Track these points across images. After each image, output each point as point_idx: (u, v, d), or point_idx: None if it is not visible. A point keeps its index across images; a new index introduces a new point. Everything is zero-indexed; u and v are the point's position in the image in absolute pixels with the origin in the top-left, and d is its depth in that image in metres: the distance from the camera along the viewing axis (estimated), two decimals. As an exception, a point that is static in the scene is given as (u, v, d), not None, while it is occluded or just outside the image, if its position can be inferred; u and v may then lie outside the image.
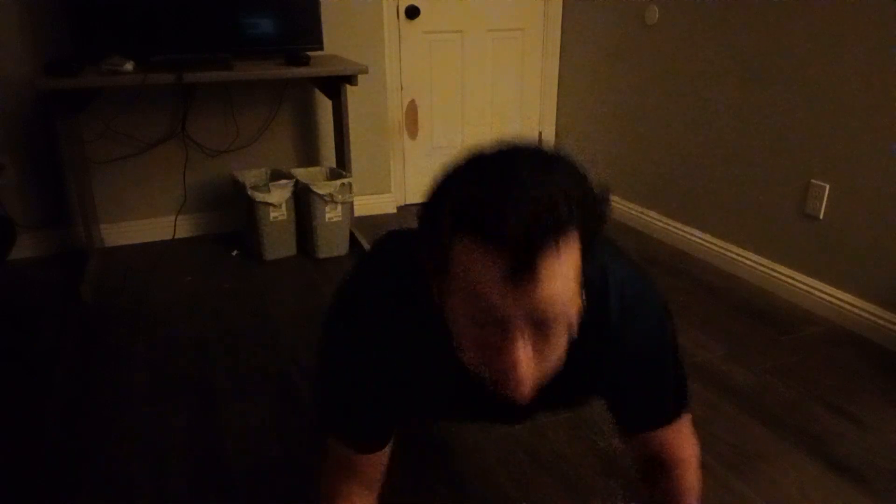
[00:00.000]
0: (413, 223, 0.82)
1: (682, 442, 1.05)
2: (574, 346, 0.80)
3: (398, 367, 0.91)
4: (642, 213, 3.10)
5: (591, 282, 0.82)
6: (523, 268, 0.65)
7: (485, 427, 1.67)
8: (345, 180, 2.70)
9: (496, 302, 0.67)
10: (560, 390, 0.97)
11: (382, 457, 1.02)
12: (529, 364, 0.70)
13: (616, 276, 0.90)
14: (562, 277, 0.67)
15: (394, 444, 1.03)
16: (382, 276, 0.95)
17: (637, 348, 0.93)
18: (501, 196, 0.65)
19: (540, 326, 0.69)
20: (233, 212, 2.99)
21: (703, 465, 1.53)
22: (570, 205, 0.67)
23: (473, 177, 0.70)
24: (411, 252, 0.85)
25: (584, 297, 0.76)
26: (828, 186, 2.23)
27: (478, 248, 0.66)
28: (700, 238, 2.79)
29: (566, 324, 0.71)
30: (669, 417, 1.02)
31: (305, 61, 2.57)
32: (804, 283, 2.35)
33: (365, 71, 2.65)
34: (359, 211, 3.24)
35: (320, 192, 2.64)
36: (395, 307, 0.89)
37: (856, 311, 2.18)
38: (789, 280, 2.41)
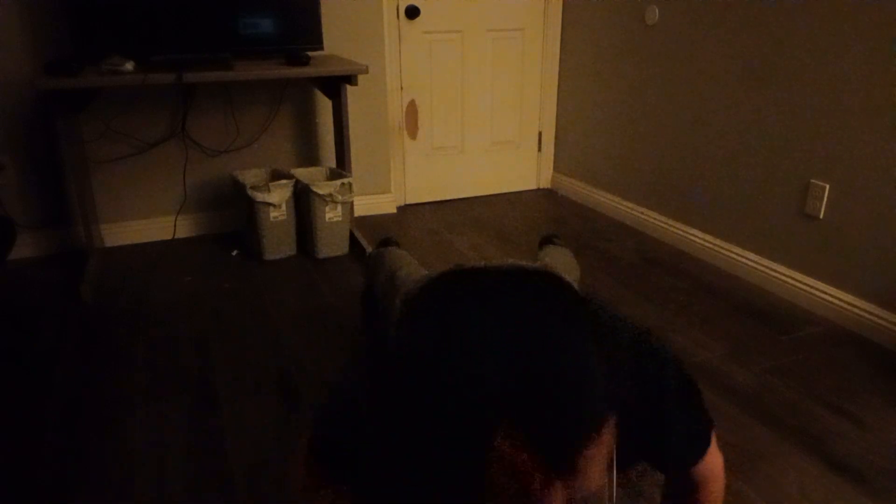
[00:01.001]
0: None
1: (714, 459, 1.06)
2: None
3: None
4: (642, 213, 3.10)
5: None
6: (564, 467, 0.64)
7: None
8: (345, 180, 2.70)
9: (531, 485, 0.66)
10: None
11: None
12: None
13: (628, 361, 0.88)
14: (599, 460, 0.67)
15: None
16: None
17: (664, 405, 0.91)
18: (538, 399, 0.63)
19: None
20: (233, 212, 2.99)
21: (703, 465, 1.53)
22: (615, 395, 0.66)
23: (514, 365, 0.65)
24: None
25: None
26: (828, 186, 2.23)
27: (514, 446, 0.64)
28: (700, 238, 2.79)
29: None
30: (704, 448, 1.02)
31: (305, 61, 2.57)
32: (804, 283, 2.35)
33: (365, 71, 2.65)
34: (359, 211, 3.24)
35: (320, 192, 2.64)
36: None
37: (856, 311, 2.18)
38: (789, 280, 2.41)
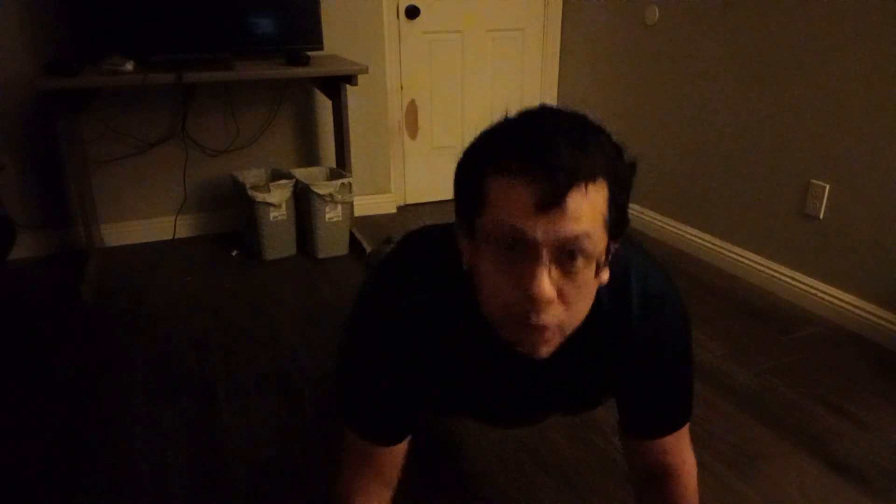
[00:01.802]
0: (429, 221, 0.85)
1: (683, 451, 1.05)
2: (594, 335, 0.84)
3: (422, 359, 0.93)
4: (643, 213, 3.10)
5: (615, 273, 0.84)
6: (553, 199, 0.70)
7: (495, 428, 1.67)
8: (345, 180, 2.70)
9: (525, 227, 0.72)
10: (578, 387, 0.97)
11: (399, 451, 1.02)
12: (551, 293, 0.74)
13: (639, 272, 0.91)
14: (588, 216, 0.72)
15: (410, 442, 1.03)
16: (410, 267, 0.96)
17: (656, 346, 0.93)
18: (540, 134, 0.73)
19: (565, 258, 0.73)
20: (233, 212, 2.99)
21: (704, 465, 1.53)
22: (602, 156, 0.73)
23: (513, 122, 0.79)
24: (441, 244, 0.91)
25: (607, 281, 0.81)
26: (828, 186, 2.23)
27: (512, 182, 0.72)
28: (700, 238, 2.79)
29: (591, 266, 0.75)
30: (677, 424, 1.02)
31: (305, 61, 2.57)
32: (804, 283, 2.35)
33: (365, 71, 2.65)
34: (359, 211, 3.24)
35: (320, 192, 2.64)
36: (422, 299, 0.91)
37: (856, 311, 2.18)
38: (789, 280, 2.41)
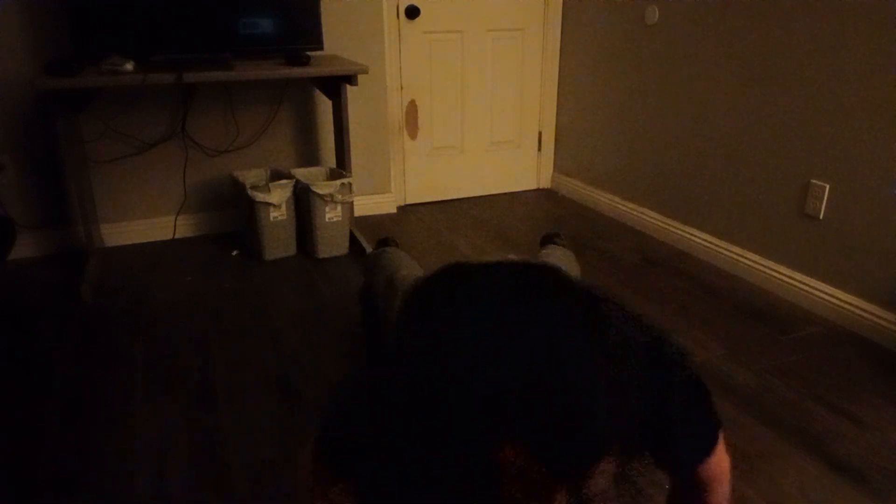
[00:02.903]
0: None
1: (721, 460, 1.05)
2: None
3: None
4: (642, 213, 3.10)
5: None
6: (572, 481, 0.65)
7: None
8: (345, 180, 2.70)
9: (540, 491, 0.66)
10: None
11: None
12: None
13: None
14: (605, 472, 0.68)
15: None
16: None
17: (674, 400, 0.91)
18: (554, 413, 0.62)
19: None
20: (233, 212, 2.99)
21: (703, 465, 1.53)
22: (628, 405, 0.66)
23: (515, 375, 0.64)
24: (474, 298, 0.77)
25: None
26: (828, 186, 2.23)
27: (525, 457, 0.64)
28: (700, 238, 2.79)
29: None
30: (712, 447, 1.02)
31: (305, 61, 2.57)
32: (804, 283, 2.35)
33: (365, 71, 2.65)
34: (359, 211, 3.24)
35: (320, 192, 2.64)
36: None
37: (856, 311, 2.18)
38: (789, 280, 2.41)
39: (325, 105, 3.05)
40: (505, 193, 3.69)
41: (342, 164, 2.88)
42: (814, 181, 2.27)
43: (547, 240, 2.31)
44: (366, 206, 3.29)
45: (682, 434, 0.96)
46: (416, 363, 0.72)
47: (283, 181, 2.70)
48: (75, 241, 2.81)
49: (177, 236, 2.98)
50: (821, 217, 2.27)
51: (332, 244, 2.76)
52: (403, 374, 0.75)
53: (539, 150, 3.69)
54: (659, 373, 0.87)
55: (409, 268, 1.76)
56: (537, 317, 0.68)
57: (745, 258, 2.58)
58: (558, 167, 3.71)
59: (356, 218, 3.14)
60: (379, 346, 0.97)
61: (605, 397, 0.64)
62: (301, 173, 2.82)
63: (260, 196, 2.60)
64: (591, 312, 0.70)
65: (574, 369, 0.64)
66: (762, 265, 2.51)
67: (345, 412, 0.97)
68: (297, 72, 2.55)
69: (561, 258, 2.06)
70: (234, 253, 2.82)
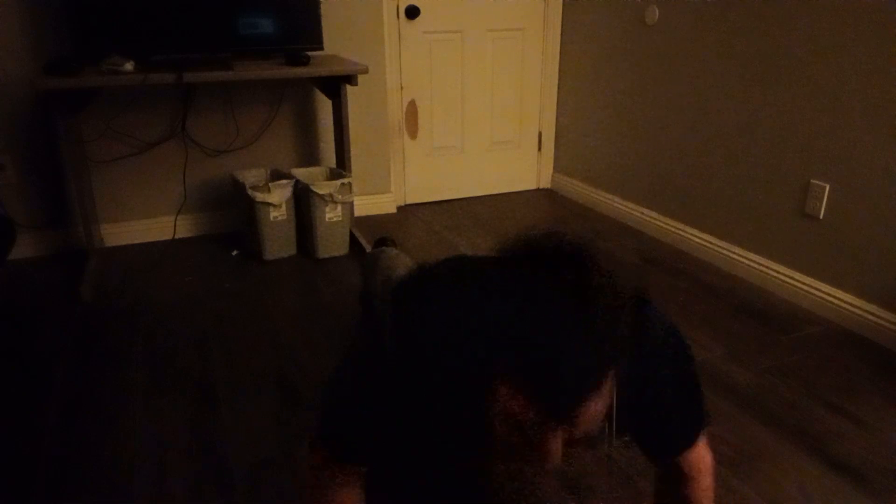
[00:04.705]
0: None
1: (703, 455, 1.06)
2: None
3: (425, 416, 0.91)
4: (642, 213, 3.10)
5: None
6: (564, 419, 0.68)
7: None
8: (345, 180, 2.70)
9: (532, 430, 0.70)
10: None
11: (359, 478, 1.04)
12: (560, 458, 0.73)
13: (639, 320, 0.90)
14: (599, 409, 0.70)
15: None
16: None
17: (662, 381, 0.93)
18: (544, 351, 0.66)
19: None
20: (233, 212, 2.99)
21: (703, 465, 1.53)
22: (612, 349, 0.68)
23: (512, 321, 0.68)
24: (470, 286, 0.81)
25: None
26: (828, 186, 2.23)
27: (517, 396, 0.68)
28: (700, 238, 2.79)
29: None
30: (694, 439, 1.03)
31: (305, 61, 2.57)
32: (804, 283, 2.35)
33: (365, 71, 2.65)
34: (359, 211, 3.24)
35: (320, 192, 2.64)
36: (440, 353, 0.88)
37: (856, 311, 2.18)
38: (789, 280, 2.41)
39: (325, 105, 3.05)
40: (505, 193, 3.69)
41: (342, 164, 2.88)
42: (814, 181, 2.27)
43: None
44: (366, 206, 3.29)
45: (665, 421, 0.98)
46: (412, 332, 0.79)
47: (283, 181, 2.70)
48: (75, 241, 2.81)
49: (177, 236, 2.98)
50: (821, 217, 2.27)
51: (332, 244, 2.76)
52: (401, 345, 0.82)
53: (539, 150, 3.69)
54: (655, 335, 0.91)
55: (406, 269, 1.76)
56: (524, 275, 0.73)
57: (745, 258, 2.58)
58: (558, 167, 3.71)
59: (356, 218, 3.14)
60: (374, 338, 0.98)
61: (592, 338, 0.67)
62: (301, 173, 2.82)
63: (260, 196, 2.60)
64: (580, 276, 0.73)
65: (564, 322, 0.68)
66: (762, 265, 2.51)
67: (343, 399, 0.98)
68: (297, 72, 2.55)
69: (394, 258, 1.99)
70: (234, 253, 2.82)
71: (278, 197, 2.64)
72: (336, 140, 2.93)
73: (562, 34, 3.46)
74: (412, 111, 3.32)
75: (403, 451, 0.99)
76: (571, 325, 0.67)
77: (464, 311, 0.71)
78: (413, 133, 3.36)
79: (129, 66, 2.35)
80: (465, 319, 0.70)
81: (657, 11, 2.81)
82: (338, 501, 1.04)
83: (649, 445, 1.05)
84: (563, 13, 3.42)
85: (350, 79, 2.68)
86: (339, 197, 2.69)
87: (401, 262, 1.83)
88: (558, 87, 3.57)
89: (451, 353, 0.70)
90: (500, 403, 0.70)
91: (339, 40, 2.99)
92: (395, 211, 3.38)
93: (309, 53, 2.62)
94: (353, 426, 0.98)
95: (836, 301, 2.24)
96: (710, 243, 2.74)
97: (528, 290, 0.70)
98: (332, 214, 2.71)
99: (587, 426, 0.71)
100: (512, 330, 0.68)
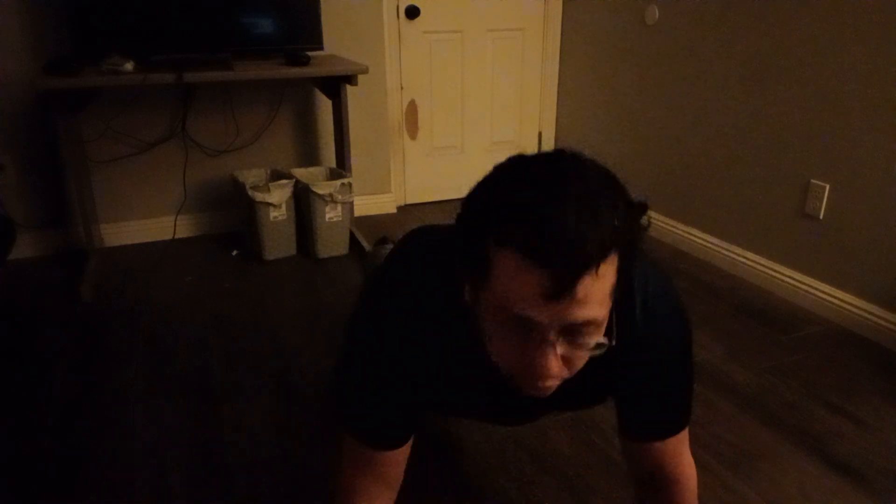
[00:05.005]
0: (429, 221, 0.84)
1: (682, 457, 1.05)
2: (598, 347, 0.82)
3: (423, 361, 0.92)
4: (642, 213, 3.10)
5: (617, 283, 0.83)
6: (563, 289, 0.67)
7: (492, 425, 1.67)
8: (345, 180, 2.70)
9: (533, 314, 0.70)
10: (581, 391, 0.98)
11: (402, 454, 1.02)
12: (557, 370, 0.74)
13: (640, 275, 0.91)
14: (599, 297, 0.70)
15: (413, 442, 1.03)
16: (412, 272, 0.95)
17: (658, 350, 0.93)
18: (547, 217, 0.67)
19: (572, 336, 0.73)
20: (233, 212, 2.99)
21: (703, 465, 1.54)
22: (614, 228, 0.69)
23: (518, 191, 0.71)
24: (444, 250, 0.88)
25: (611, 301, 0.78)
26: (828, 186, 2.23)
27: (520, 263, 0.68)
28: (700, 238, 2.79)
29: (599, 331, 0.75)
30: (675, 428, 1.02)
31: (305, 61, 2.57)
32: (804, 283, 2.35)
33: (365, 71, 2.65)
34: (359, 211, 3.24)
35: (320, 192, 2.64)
36: (424, 303, 0.90)
37: (856, 311, 2.18)
38: (789, 280, 2.41)
39: (325, 105, 3.05)
40: (505, 193, 3.68)
41: (342, 164, 2.88)
42: (814, 181, 2.27)
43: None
44: (366, 206, 3.29)
45: (651, 399, 0.99)
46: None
47: (283, 181, 2.70)
48: (75, 241, 2.81)
49: (177, 236, 2.98)
50: (821, 217, 2.27)
51: (331, 244, 2.76)
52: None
53: (539, 150, 3.69)
54: (660, 312, 0.93)
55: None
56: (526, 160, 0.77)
57: (745, 258, 2.58)
58: (558, 167, 3.71)
59: (356, 218, 3.14)
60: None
61: (602, 210, 0.69)
62: (301, 173, 2.82)
63: (260, 196, 2.60)
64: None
65: (577, 181, 0.72)
66: (762, 265, 2.51)
67: (359, 384, 0.97)
68: (297, 72, 2.55)
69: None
70: (234, 253, 2.82)
71: (278, 197, 2.64)
72: (336, 140, 2.93)
73: (562, 34, 3.46)
74: (412, 111, 3.32)
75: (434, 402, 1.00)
76: (567, 193, 0.68)
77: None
78: (413, 133, 3.36)
79: (129, 66, 2.35)
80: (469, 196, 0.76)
81: (657, 11, 2.81)
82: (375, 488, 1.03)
83: (630, 421, 1.04)
84: (563, 13, 3.42)
85: (350, 79, 2.68)
86: (339, 197, 2.69)
87: None
88: (558, 87, 3.57)
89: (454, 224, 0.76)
90: (502, 269, 0.70)
91: (339, 40, 2.99)
92: (395, 211, 3.38)
93: (309, 53, 2.62)
94: (376, 409, 0.97)
95: (836, 301, 2.24)
96: (710, 243, 2.74)
97: (527, 170, 0.74)
98: (332, 214, 2.71)
99: (585, 318, 0.70)
100: (509, 196, 0.71)
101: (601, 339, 0.75)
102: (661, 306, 0.92)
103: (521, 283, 0.69)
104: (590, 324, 0.72)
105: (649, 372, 0.95)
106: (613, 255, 0.70)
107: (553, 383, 0.76)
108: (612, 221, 0.69)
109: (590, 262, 0.67)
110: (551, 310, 0.69)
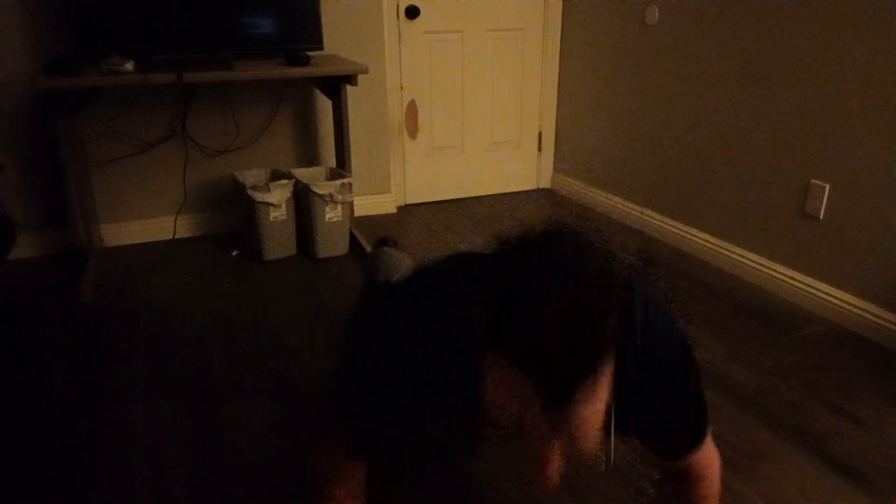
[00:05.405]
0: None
1: (708, 456, 1.06)
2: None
3: (421, 366, 0.91)
4: (642, 213, 3.10)
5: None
6: (560, 401, 0.65)
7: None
8: (345, 180, 2.70)
9: (530, 419, 0.68)
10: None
11: (363, 466, 1.05)
12: (557, 467, 0.72)
13: (638, 295, 0.89)
14: (597, 399, 0.67)
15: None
16: (430, 283, 0.94)
17: (662, 379, 0.92)
18: (540, 328, 0.64)
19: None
20: (233, 212, 2.99)
21: (703, 465, 1.53)
22: (609, 330, 0.66)
23: (510, 293, 0.67)
24: (470, 281, 0.82)
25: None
26: (828, 186, 2.23)
27: (514, 370, 0.66)
28: (700, 238, 2.79)
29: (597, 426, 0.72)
30: (698, 438, 1.02)
31: (305, 61, 2.57)
32: (804, 283, 2.35)
33: (365, 71, 2.65)
34: (359, 211, 3.24)
35: (320, 192, 2.64)
36: (430, 313, 0.89)
37: (856, 311, 2.18)
38: (789, 280, 2.41)
39: (325, 105, 3.05)
40: (505, 193, 3.69)
41: (342, 164, 2.88)
42: (814, 181, 2.27)
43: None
44: (365, 206, 3.29)
45: (667, 425, 0.97)
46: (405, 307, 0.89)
47: (283, 181, 2.70)
48: (75, 241, 2.81)
49: (177, 236, 2.98)
50: (821, 217, 2.27)
51: (331, 244, 2.76)
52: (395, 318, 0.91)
53: (539, 150, 3.69)
54: (659, 328, 0.91)
55: (408, 268, 1.76)
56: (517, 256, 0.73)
57: (746, 258, 2.58)
58: (558, 167, 3.71)
59: (356, 218, 3.14)
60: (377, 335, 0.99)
61: (593, 316, 0.65)
62: (301, 173, 2.82)
63: (260, 196, 2.60)
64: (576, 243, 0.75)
65: (563, 294, 0.66)
66: (762, 265, 2.51)
67: (355, 386, 0.97)
68: (297, 72, 2.55)
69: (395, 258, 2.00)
70: (234, 253, 2.82)
71: (278, 197, 2.64)
72: (336, 140, 2.93)
73: (562, 34, 3.46)
74: (412, 111, 3.32)
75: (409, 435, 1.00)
76: (558, 303, 0.65)
77: (447, 294, 0.77)
78: (413, 133, 3.36)
79: (129, 66, 2.35)
80: (449, 303, 0.75)
81: (657, 11, 2.81)
82: (342, 491, 1.05)
83: (653, 448, 1.05)
84: (563, 13, 3.42)
85: (350, 79, 2.68)
86: (339, 197, 2.69)
87: (401, 264, 1.83)
88: (558, 87, 3.57)
89: (441, 328, 0.76)
90: (496, 369, 0.68)
91: (339, 40, 2.99)
92: (394, 211, 3.38)
93: (309, 53, 2.62)
94: (366, 413, 0.98)
95: (836, 301, 2.24)
96: (710, 243, 2.74)
97: (516, 270, 0.70)
98: (331, 214, 2.71)
99: (585, 423, 0.69)
100: (498, 305, 0.67)
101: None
102: (659, 323, 0.91)
103: (517, 387, 0.67)
104: (590, 431, 0.70)
105: (654, 401, 0.93)
106: (609, 357, 0.68)
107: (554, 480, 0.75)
108: (606, 325, 0.66)
109: (586, 372, 0.65)
110: (550, 419, 0.67)
